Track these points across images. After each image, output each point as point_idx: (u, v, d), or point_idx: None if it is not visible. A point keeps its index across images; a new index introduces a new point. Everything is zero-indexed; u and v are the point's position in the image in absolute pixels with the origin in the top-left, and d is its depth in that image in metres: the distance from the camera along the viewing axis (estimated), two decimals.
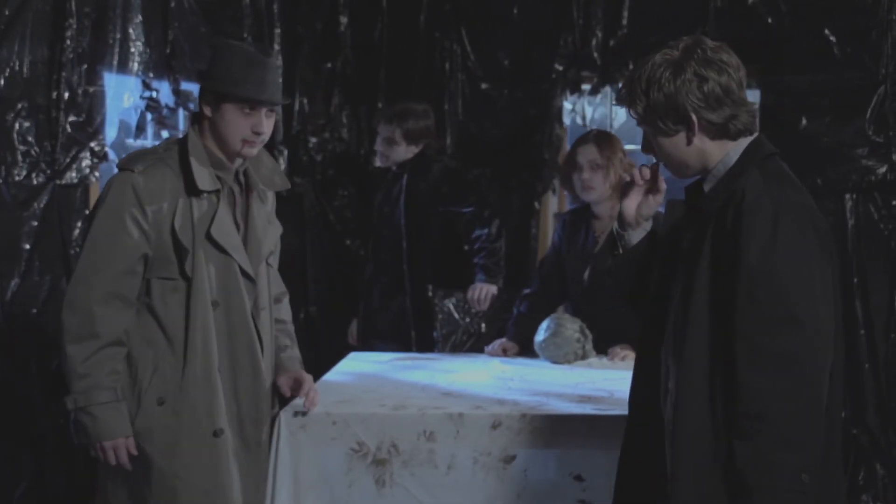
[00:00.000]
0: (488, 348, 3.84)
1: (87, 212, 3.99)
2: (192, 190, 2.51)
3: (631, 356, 3.50)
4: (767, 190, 2.03)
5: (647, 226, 2.36)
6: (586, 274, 3.69)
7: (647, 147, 2.22)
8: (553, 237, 3.98)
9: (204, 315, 2.52)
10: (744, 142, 2.14)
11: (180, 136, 2.64)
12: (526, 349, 3.74)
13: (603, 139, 3.71)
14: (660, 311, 2.21)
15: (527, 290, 3.90)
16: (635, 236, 2.36)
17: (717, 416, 2.02)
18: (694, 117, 2.09)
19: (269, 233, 2.71)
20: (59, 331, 2.47)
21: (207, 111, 2.53)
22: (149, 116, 4.31)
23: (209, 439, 2.55)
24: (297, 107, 5.11)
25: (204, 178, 2.52)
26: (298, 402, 2.74)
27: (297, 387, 2.72)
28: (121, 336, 2.49)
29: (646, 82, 2.12)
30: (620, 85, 2.22)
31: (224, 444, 2.57)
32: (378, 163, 4.51)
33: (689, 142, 2.13)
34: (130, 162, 2.50)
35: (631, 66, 4.77)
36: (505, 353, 3.75)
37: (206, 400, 2.54)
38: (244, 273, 2.59)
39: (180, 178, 2.51)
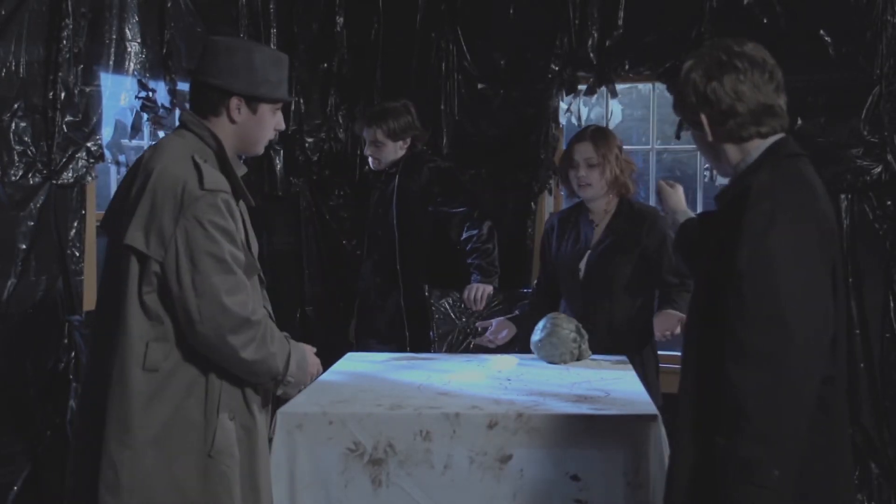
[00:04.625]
0: (485, 330, 3.84)
1: (83, 212, 3.99)
2: (237, 201, 2.49)
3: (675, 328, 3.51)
4: (770, 189, 2.03)
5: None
6: (582, 264, 3.71)
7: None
8: (543, 248, 3.96)
9: None
10: (767, 141, 2.15)
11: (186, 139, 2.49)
12: (521, 349, 3.74)
13: (599, 137, 3.72)
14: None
15: (524, 303, 3.92)
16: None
17: (705, 414, 2.04)
18: (703, 117, 2.12)
19: (250, 220, 2.66)
20: (237, 353, 2.37)
21: (237, 116, 2.49)
22: (145, 116, 4.31)
23: (267, 447, 2.57)
24: (293, 107, 5.11)
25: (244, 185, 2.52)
26: (297, 400, 2.77)
27: None
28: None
29: (673, 82, 2.17)
30: None
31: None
32: (371, 167, 4.51)
33: (703, 140, 2.16)
34: (217, 183, 2.38)
35: (627, 67, 4.82)
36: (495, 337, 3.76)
37: (263, 410, 2.54)
38: (259, 277, 2.56)
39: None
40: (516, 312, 3.92)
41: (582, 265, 3.71)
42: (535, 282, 3.96)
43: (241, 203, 2.57)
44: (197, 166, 2.36)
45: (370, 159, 4.47)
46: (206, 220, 2.31)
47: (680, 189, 2.84)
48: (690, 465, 2.08)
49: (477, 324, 3.86)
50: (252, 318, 2.37)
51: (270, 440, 2.63)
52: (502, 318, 3.91)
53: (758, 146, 2.14)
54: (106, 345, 2.39)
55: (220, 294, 2.31)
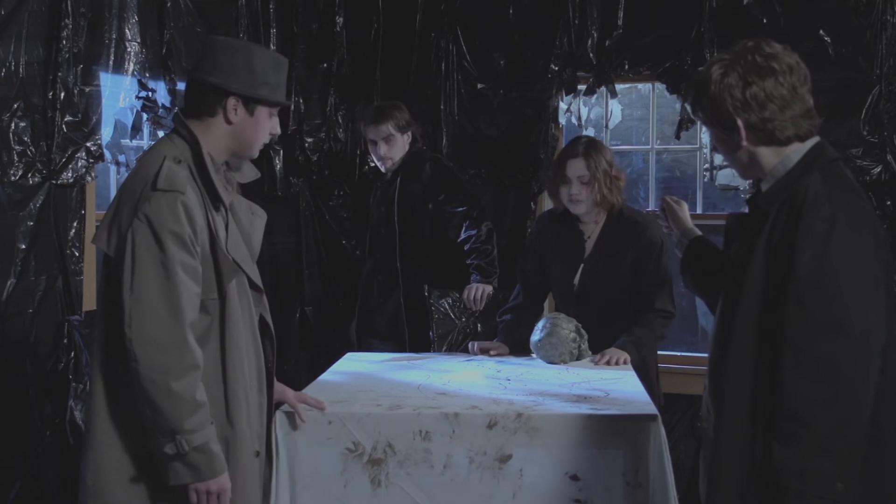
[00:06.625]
0: (471, 346, 3.81)
1: (82, 212, 4.00)
2: (214, 203, 2.41)
3: (620, 360, 3.48)
4: (828, 193, 2.01)
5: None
6: (576, 278, 3.69)
7: (714, 146, 2.27)
8: (531, 242, 3.95)
9: (237, 333, 2.42)
10: (806, 144, 2.14)
11: (174, 139, 2.45)
12: (516, 351, 3.73)
13: (591, 152, 3.63)
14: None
15: (511, 303, 3.89)
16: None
17: (759, 419, 2.02)
18: (739, 122, 2.10)
19: (256, 227, 2.61)
20: (144, 371, 2.21)
21: (233, 117, 2.44)
22: (144, 116, 4.31)
23: (253, 460, 2.48)
24: (292, 107, 5.11)
25: (223, 190, 2.43)
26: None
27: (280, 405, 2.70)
28: None
29: (699, 85, 2.14)
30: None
31: (259, 464, 2.51)
32: (382, 169, 4.46)
33: (738, 146, 2.14)
34: (173, 182, 2.30)
35: (626, 67, 4.82)
36: (487, 353, 3.73)
37: (248, 421, 2.45)
38: (252, 284, 2.51)
39: (200, 190, 2.39)
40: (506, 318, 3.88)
41: (576, 280, 3.70)
42: (516, 292, 3.91)
43: (236, 205, 2.52)
44: (160, 167, 2.31)
45: (381, 162, 4.40)
46: (154, 220, 2.25)
47: (685, 206, 2.81)
48: (737, 470, 2.05)
49: (469, 345, 3.84)
50: (184, 337, 2.24)
51: (258, 454, 2.52)
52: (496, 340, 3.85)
53: (797, 149, 2.13)
54: (91, 344, 2.39)
55: (155, 299, 2.23)
